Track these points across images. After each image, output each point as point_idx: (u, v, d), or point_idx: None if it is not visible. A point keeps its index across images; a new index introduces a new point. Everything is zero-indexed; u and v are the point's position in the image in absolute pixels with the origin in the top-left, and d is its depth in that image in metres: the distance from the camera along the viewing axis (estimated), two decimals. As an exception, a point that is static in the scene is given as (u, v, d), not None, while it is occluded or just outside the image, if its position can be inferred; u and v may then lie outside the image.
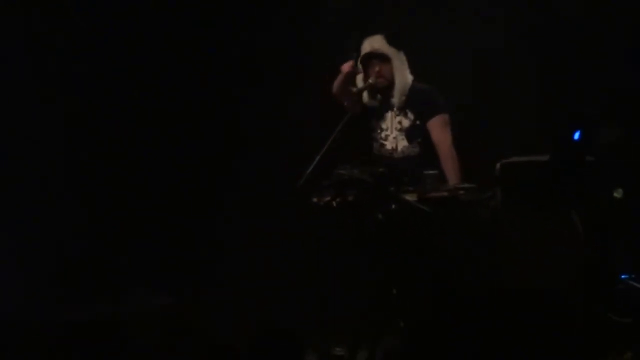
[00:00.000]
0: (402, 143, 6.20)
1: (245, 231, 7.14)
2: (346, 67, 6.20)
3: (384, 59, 6.17)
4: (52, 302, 6.61)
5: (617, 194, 5.84)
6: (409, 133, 6.16)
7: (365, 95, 6.25)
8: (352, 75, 6.23)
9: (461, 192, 5.86)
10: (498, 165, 5.92)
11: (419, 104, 6.16)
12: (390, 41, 6.20)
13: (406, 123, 6.18)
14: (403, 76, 6.18)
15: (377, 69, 6.15)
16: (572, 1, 6.76)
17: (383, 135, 6.25)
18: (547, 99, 6.83)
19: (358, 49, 6.24)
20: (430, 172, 5.88)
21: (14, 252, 6.92)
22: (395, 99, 6.16)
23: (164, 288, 6.52)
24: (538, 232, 5.93)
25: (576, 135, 5.96)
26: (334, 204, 5.76)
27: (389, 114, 6.22)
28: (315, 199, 5.81)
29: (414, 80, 6.19)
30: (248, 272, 6.99)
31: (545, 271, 5.80)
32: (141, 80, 7.17)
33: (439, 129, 6.15)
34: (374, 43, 6.21)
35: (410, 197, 5.79)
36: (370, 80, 6.14)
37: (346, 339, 5.90)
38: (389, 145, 6.22)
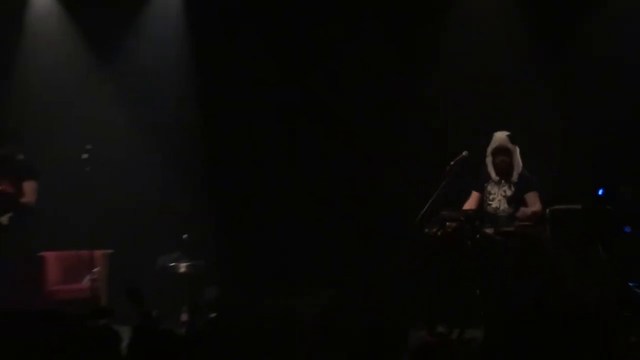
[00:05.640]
0: (504, 205, 7.80)
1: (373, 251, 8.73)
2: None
3: (507, 153, 7.82)
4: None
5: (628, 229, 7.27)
6: (510, 199, 7.82)
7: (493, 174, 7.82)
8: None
9: (523, 228, 7.46)
10: (548, 211, 7.64)
11: (520, 183, 7.81)
12: (512, 139, 7.84)
13: (509, 193, 7.82)
14: (518, 166, 7.81)
15: (498, 160, 7.79)
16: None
17: (491, 197, 7.87)
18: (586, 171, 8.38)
19: None
20: (503, 214, 7.66)
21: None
22: (514, 179, 7.78)
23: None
24: (575, 259, 7.31)
25: (600, 192, 7.50)
26: (439, 233, 7.36)
27: (498, 186, 7.83)
28: (426, 230, 7.36)
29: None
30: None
31: (580, 290, 7.04)
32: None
33: (531, 199, 7.78)
34: (502, 141, 7.78)
35: (489, 231, 7.49)
36: (463, 154, 7.73)
37: (445, 321, 7.18)
38: (494, 204, 7.83)
